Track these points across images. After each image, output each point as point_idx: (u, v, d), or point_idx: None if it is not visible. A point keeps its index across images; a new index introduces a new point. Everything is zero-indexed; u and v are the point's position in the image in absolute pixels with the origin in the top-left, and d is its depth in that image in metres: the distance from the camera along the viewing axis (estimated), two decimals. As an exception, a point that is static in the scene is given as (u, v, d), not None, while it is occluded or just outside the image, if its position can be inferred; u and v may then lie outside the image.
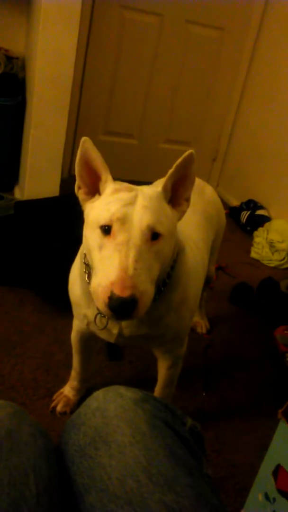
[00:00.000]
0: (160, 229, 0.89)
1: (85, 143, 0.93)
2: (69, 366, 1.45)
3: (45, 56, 2.23)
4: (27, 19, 2.52)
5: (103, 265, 0.85)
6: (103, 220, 0.88)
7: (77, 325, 1.28)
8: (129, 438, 0.59)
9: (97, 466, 0.58)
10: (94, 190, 0.98)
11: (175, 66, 3.16)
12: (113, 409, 0.63)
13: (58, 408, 1.41)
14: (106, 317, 1.05)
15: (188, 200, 1.01)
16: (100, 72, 3.03)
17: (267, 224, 2.85)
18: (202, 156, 3.51)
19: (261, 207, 3.03)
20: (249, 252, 2.77)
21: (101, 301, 0.82)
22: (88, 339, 1.32)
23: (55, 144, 2.44)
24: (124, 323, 1.07)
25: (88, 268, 1.04)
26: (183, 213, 1.01)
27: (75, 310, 1.20)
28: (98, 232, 0.89)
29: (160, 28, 3.01)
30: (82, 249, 1.10)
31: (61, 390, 1.45)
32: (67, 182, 2.88)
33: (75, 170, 0.98)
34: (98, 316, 1.07)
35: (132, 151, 3.33)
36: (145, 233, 0.86)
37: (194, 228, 1.35)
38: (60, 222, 2.03)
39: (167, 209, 0.96)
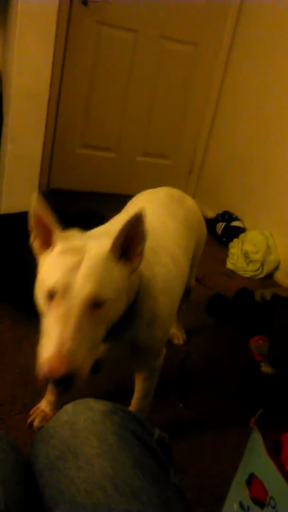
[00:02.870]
0: (103, 296, 0.88)
1: (35, 201, 0.94)
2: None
3: (21, 71, 2.25)
4: (3, 34, 2.54)
5: (45, 334, 0.86)
6: (47, 286, 0.88)
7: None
8: (97, 450, 0.60)
9: (65, 479, 0.59)
10: (49, 243, 0.97)
11: (151, 81, 3.21)
12: (82, 422, 0.64)
13: (35, 423, 1.41)
14: None
15: (141, 254, 0.98)
16: (77, 87, 3.06)
17: (242, 235, 2.90)
18: (179, 169, 3.56)
19: (236, 219, 3.08)
20: (224, 263, 2.81)
21: (42, 373, 0.83)
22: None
23: (32, 159, 2.45)
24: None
25: None
26: (135, 268, 0.98)
27: None
28: (44, 297, 0.89)
29: (135, 44, 3.06)
30: None
31: (38, 405, 1.45)
32: (45, 195, 2.88)
33: (29, 223, 0.99)
34: None
35: (110, 164, 3.36)
36: (86, 303, 0.86)
37: (172, 235, 1.35)
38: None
39: (115, 270, 0.93)
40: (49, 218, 0.95)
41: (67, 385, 0.83)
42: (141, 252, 0.97)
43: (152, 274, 1.11)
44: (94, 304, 0.86)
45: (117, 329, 0.96)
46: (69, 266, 0.88)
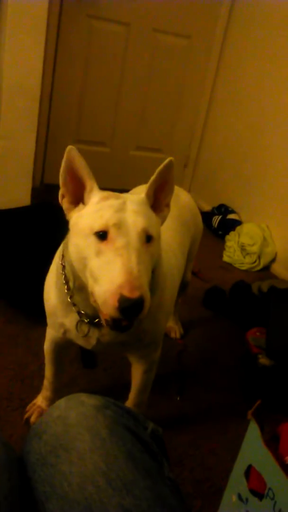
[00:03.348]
0: (152, 232, 0.91)
1: (71, 152, 0.94)
2: (43, 377, 1.44)
3: (12, 66, 2.23)
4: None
5: (105, 271, 0.85)
6: (98, 226, 0.88)
7: (51, 334, 1.27)
8: (89, 445, 0.60)
9: (57, 474, 0.58)
10: (78, 199, 0.98)
11: (144, 74, 3.19)
12: (74, 417, 0.64)
13: (32, 419, 1.40)
14: (87, 324, 1.06)
15: (168, 205, 1.04)
16: (70, 81, 3.04)
17: (238, 228, 2.89)
18: (174, 163, 3.54)
19: (232, 211, 3.07)
20: (221, 256, 2.80)
21: (110, 306, 0.82)
22: (61, 348, 1.31)
23: (25, 154, 2.44)
24: (103, 330, 1.07)
25: (66, 279, 1.04)
26: (164, 218, 1.04)
27: (50, 319, 1.19)
28: (93, 239, 0.89)
29: (127, 37, 3.04)
30: (57, 260, 1.09)
31: (34, 401, 1.44)
32: (39, 191, 2.88)
33: (60, 178, 0.98)
34: (79, 323, 1.07)
35: (104, 158, 3.35)
36: (142, 236, 0.89)
37: (168, 231, 1.36)
38: (32, 232, 2.03)
39: (153, 214, 0.98)
40: (83, 171, 0.96)
41: (137, 313, 0.82)
42: (169, 203, 1.04)
43: (160, 255, 1.12)
44: (146, 239, 0.90)
45: None
46: (116, 206, 0.91)
